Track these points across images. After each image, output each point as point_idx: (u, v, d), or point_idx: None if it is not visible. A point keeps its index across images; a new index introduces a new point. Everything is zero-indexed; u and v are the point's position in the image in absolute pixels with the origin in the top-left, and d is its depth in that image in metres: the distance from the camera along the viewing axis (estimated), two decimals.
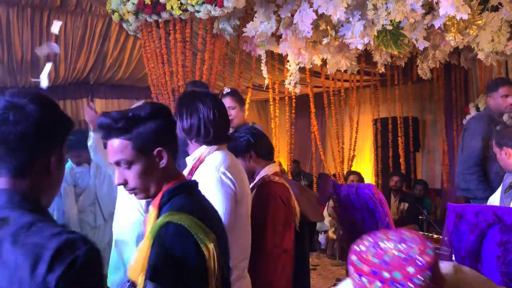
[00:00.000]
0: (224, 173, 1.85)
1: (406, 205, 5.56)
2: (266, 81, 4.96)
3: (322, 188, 5.80)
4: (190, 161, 1.93)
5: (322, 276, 4.75)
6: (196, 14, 3.96)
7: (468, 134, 3.73)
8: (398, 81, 6.44)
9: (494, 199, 2.23)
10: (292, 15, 3.77)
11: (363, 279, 1.11)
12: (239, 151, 2.21)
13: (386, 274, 1.08)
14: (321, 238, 5.70)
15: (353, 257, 1.15)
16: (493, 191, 3.51)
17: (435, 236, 3.11)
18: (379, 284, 1.09)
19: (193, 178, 1.72)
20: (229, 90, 3.44)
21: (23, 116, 1.09)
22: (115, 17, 4.36)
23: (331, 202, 2.80)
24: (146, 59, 4.49)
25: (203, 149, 1.91)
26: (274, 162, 2.37)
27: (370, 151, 7.77)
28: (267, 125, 7.40)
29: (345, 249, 2.40)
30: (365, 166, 7.93)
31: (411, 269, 1.07)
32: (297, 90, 4.61)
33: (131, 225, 3.17)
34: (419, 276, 1.06)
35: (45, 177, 1.13)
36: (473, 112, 5.36)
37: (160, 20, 4.18)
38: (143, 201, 2.76)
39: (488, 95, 3.78)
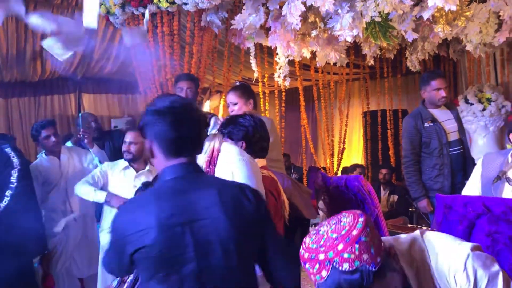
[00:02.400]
0: (248, 157, 1.98)
1: (396, 197, 5.58)
2: (256, 75, 4.92)
3: (313, 181, 5.81)
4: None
5: None
6: (183, 6, 3.92)
7: (402, 134, 3.96)
8: (388, 73, 6.45)
9: (472, 187, 2.21)
10: (281, 7, 3.73)
11: (307, 266, 1.19)
12: (233, 135, 2.20)
13: (321, 256, 1.16)
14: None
15: (300, 248, 1.23)
16: (431, 188, 3.65)
17: (424, 227, 3.12)
18: (317, 266, 1.16)
19: (218, 167, 1.87)
20: (236, 84, 3.46)
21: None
22: (102, 10, 4.30)
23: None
24: (133, 53, 4.43)
25: (213, 141, 1.94)
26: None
27: (359, 144, 7.78)
28: None
29: None
30: (354, 158, 7.95)
31: (340, 246, 1.14)
32: (287, 83, 4.59)
33: None
34: (349, 249, 1.13)
35: None
36: (461, 104, 5.38)
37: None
38: None
39: (421, 88, 3.85)
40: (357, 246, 1.13)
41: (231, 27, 4.06)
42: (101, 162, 3.94)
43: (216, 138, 1.97)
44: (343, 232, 1.16)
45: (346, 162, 6.78)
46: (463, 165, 3.78)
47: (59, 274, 3.73)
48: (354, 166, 5.98)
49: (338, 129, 6.35)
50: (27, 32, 5.93)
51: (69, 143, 4.55)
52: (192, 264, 1.39)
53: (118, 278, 2.52)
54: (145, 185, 2.64)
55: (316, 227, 1.25)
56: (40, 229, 3.38)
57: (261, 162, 2.32)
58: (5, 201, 3.03)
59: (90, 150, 3.99)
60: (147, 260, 1.40)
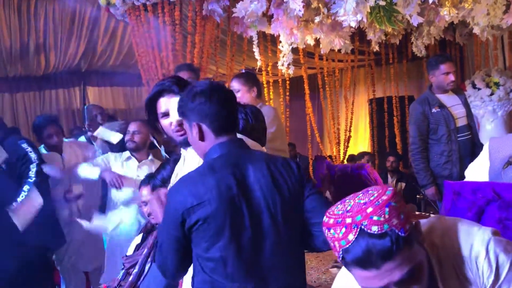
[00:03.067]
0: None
1: (403, 185, 5.53)
2: (259, 63, 4.87)
3: (319, 171, 5.78)
4: (193, 155, 1.88)
5: (320, 258, 4.73)
6: None
7: (409, 120, 3.84)
8: (393, 59, 6.37)
9: (477, 170, 2.16)
10: None
11: (331, 231, 1.17)
12: None
13: (348, 220, 1.13)
14: None
15: (324, 217, 1.22)
16: (439, 175, 3.59)
17: (432, 215, 3.08)
18: (344, 230, 1.14)
19: None
20: (241, 72, 3.43)
21: None
22: (102, 2, 4.27)
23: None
24: (136, 44, 4.41)
25: None
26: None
27: (365, 131, 7.72)
28: None
29: None
30: (361, 146, 7.89)
31: (369, 209, 1.12)
32: (290, 71, 4.52)
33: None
34: (378, 212, 1.11)
35: None
36: (469, 89, 5.30)
37: (148, 3, 4.08)
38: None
39: (430, 73, 3.78)
40: (387, 209, 1.11)
41: (233, 15, 4.00)
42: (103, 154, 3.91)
43: None
44: (372, 198, 1.14)
45: (353, 150, 6.73)
46: (472, 151, 3.71)
47: (66, 269, 3.73)
48: (362, 154, 5.95)
49: (344, 117, 6.29)
50: (30, 26, 5.91)
51: (82, 138, 4.47)
52: (247, 232, 1.50)
53: (123, 271, 2.51)
54: (149, 177, 2.61)
55: (340, 201, 1.23)
56: (57, 223, 3.39)
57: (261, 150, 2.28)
58: (22, 196, 3.01)
59: (94, 143, 3.96)
60: (208, 230, 1.49)
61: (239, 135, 1.98)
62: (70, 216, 3.69)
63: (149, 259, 2.35)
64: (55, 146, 3.70)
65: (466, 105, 3.79)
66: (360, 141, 7.95)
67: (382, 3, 3.30)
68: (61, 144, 3.79)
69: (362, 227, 1.11)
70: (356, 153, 6.82)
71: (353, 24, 3.53)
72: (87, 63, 6.98)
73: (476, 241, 1.23)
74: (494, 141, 2.06)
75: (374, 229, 1.10)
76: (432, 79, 3.73)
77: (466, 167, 3.62)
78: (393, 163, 5.63)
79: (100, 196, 3.78)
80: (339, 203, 1.21)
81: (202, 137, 1.60)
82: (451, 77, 3.65)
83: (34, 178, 3.05)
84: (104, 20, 6.34)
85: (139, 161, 3.45)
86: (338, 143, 6.17)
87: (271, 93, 5.78)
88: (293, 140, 7.32)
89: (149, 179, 2.52)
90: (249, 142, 1.96)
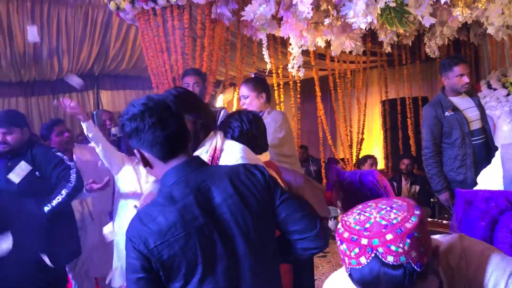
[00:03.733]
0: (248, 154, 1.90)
1: (418, 187, 5.44)
2: (268, 66, 4.83)
3: (331, 174, 5.71)
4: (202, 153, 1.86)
5: (331, 263, 4.67)
6: None
7: (422, 124, 3.76)
8: (406, 60, 6.27)
9: (490, 177, 2.08)
10: None
11: (343, 246, 1.10)
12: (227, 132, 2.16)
13: (364, 241, 1.06)
14: (331, 224, 5.61)
15: (339, 225, 1.14)
16: (453, 180, 3.49)
17: (445, 222, 3.01)
18: (357, 250, 1.07)
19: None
20: (250, 77, 3.39)
21: None
22: (112, 6, 4.28)
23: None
24: (145, 48, 4.40)
25: (214, 143, 1.86)
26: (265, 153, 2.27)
27: (379, 133, 7.62)
28: None
29: None
30: (374, 149, 7.79)
31: (389, 236, 1.03)
32: (301, 74, 4.47)
33: None
34: (397, 243, 1.03)
35: None
36: (484, 89, 5.20)
37: (157, 7, 4.08)
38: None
39: (442, 75, 3.67)
40: (408, 240, 1.03)
41: (242, 18, 3.98)
42: None
43: (217, 135, 1.89)
44: (394, 221, 1.05)
45: (366, 153, 6.63)
46: (487, 154, 3.61)
47: (78, 275, 3.74)
48: (365, 158, 5.80)
49: (356, 119, 6.21)
50: (43, 31, 5.95)
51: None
52: (223, 260, 1.37)
53: None
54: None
55: (360, 207, 1.15)
56: (77, 232, 3.43)
57: (263, 157, 2.25)
58: (58, 199, 3.07)
59: None
60: (179, 269, 1.34)
61: (232, 141, 1.94)
62: (82, 221, 3.71)
63: None
64: (66, 146, 3.74)
65: (480, 108, 3.69)
66: (373, 143, 7.86)
67: (393, 4, 3.24)
68: (71, 147, 3.82)
69: (378, 253, 1.04)
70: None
71: (363, 26, 3.48)
72: (100, 66, 7.01)
73: (497, 272, 1.15)
74: (506, 148, 1.98)
75: (390, 259, 1.03)
76: (445, 81, 3.64)
77: (480, 172, 3.56)
78: (408, 166, 5.54)
79: (111, 201, 3.79)
80: (357, 212, 1.12)
81: (147, 164, 1.45)
82: (465, 79, 3.56)
83: (74, 183, 3.12)
84: (116, 24, 6.37)
85: None
86: (351, 146, 6.09)
87: (281, 95, 5.74)
88: (305, 142, 7.27)
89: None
90: (252, 155, 1.94)
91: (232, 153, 1.84)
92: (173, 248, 1.33)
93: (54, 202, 3.04)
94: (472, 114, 3.62)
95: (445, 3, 3.36)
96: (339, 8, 3.61)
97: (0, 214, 2.91)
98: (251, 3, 3.84)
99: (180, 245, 1.33)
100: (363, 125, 6.18)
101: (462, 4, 3.44)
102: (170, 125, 1.41)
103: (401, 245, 1.03)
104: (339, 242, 1.11)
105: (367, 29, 3.94)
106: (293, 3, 3.56)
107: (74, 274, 3.72)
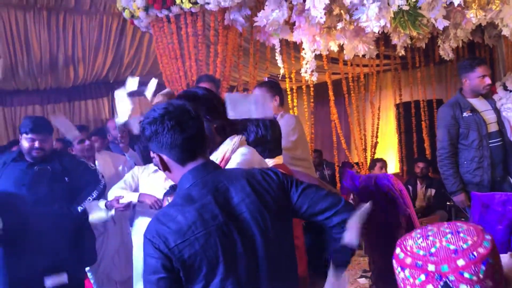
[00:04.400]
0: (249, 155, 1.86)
1: (433, 191, 5.39)
2: (282, 71, 4.85)
3: (345, 177, 5.69)
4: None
5: (348, 267, 4.64)
6: (206, 6, 3.89)
7: (438, 124, 3.70)
8: (420, 63, 6.24)
9: None
10: (304, 1, 3.65)
11: (405, 272, 0.99)
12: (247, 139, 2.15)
13: (431, 267, 0.96)
14: None
15: (397, 250, 1.04)
16: (470, 182, 3.45)
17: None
18: (423, 277, 0.96)
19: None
20: (264, 80, 3.40)
21: None
22: (126, 14, 4.34)
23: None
24: (159, 55, 4.45)
25: (226, 146, 1.86)
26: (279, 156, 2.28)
27: (393, 137, 7.58)
28: None
29: (364, 241, 2.32)
30: (388, 152, 7.74)
31: (461, 262, 0.94)
32: (314, 78, 4.49)
33: None
34: (472, 268, 0.93)
35: None
36: (500, 91, 5.14)
37: (170, 14, 4.12)
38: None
39: (463, 76, 3.61)
40: (483, 267, 0.93)
41: (255, 24, 4.00)
42: (135, 164, 3.98)
43: (233, 139, 1.87)
44: (464, 246, 0.95)
45: (380, 156, 6.60)
46: (504, 157, 3.58)
47: (100, 279, 3.78)
48: (374, 161, 5.73)
49: (370, 122, 6.18)
50: (59, 40, 6.06)
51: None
52: (243, 259, 1.38)
53: None
54: (173, 188, 2.62)
55: (419, 231, 1.06)
56: (94, 239, 3.51)
57: (275, 160, 2.26)
58: (89, 200, 3.22)
59: (126, 154, 4.04)
60: (200, 269, 1.34)
61: (247, 148, 1.95)
62: (104, 226, 3.76)
63: None
64: (88, 153, 3.81)
65: (496, 111, 3.66)
66: (388, 147, 7.81)
67: (406, 7, 3.24)
68: (92, 154, 3.90)
69: (448, 281, 0.94)
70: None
71: (376, 30, 3.49)
72: (114, 74, 7.09)
73: None
74: None
75: (462, 287, 0.93)
76: (466, 82, 3.59)
77: (497, 174, 3.53)
78: (423, 169, 5.50)
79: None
80: (417, 236, 1.02)
81: (166, 168, 1.47)
82: (487, 80, 3.52)
83: (103, 185, 3.29)
84: (130, 31, 6.46)
85: None
86: (365, 150, 6.07)
87: (295, 100, 5.74)
88: (319, 147, 7.25)
89: (172, 190, 2.52)
90: (257, 157, 1.93)
91: (235, 154, 1.85)
92: (194, 247, 1.33)
93: (87, 202, 3.17)
94: (489, 116, 3.59)
95: (459, 5, 3.35)
96: (351, 12, 3.63)
97: (29, 218, 2.98)
98: (263, 9, 3.87)
99: (200, 243, 1.34)
100: (377, 128, 6.16)
101: (476, 6, 3.43)
102: (189, 128, 1.44)
103: (476, 272, 0.93)
104: (399, 269, 1.01)
105: (380, 32, 3.94)
106: (306, 8, 3.58)
107: (96, 278, 3.76)
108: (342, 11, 3.71)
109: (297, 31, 4.10)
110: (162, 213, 1.42)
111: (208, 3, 3.83)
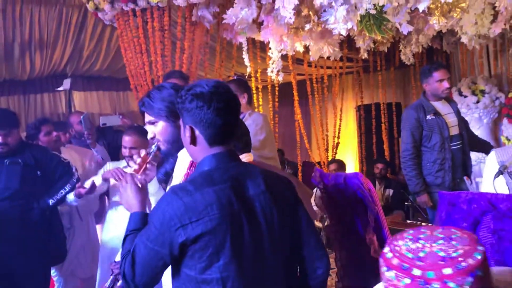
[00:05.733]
0: None
1: (391, 191, 5.56)
2: (248, 70, 4.86)
3: (308, 177, 5.77)
4: (185, 155, 1.84)
5: None
6: (174, 1, 3.84)
7: (401, 126, 3.83)
8: (381, 67, 6.41)
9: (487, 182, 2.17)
10: (273, 1, 3.67)
11: (391, 273, 0.98)
12: None
13: (416, 272, 0.94)
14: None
15: (386, 249, 1.02)
16: (432, 183, 3.60)
17: (423, 223, 3.09)
18: (407, 281, 0.94)
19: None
20: (233, 78, 3.41)
21: None
22: (90, 6, 4.21)
23: (317, 192, 2.75)
24: (124, 49, 4.35)
25: None
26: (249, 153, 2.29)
27: (353, 138, 7.76)
28: None
29: (332, 239, 2.38)
30: (349, 153, 7.92)
31: (447, 271, 0.91)
32: (280, 78, 4.52)
33: None
34: (457, 280, 0.90)
35: None
36: (455, 96, 5.36)
37: (137, 8, 4.04)
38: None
39: (423, 81, 3.78)
40: (469, 279, 0.90)
41: (223, 21, 3.98)
42: (102, 159, 3.91)
43: None
44: (454, 254, 0.93)
45: (341, 157, 6.74)
46: (463, 160, 3.73)
47: (64, 275, 3.67)
48: (331, 161, 5.86)
49: (332, 123, 6.30)
50: (15, 29, 5.81)
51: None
52: (248, 249, 1.41)
53: (112, 277, 2.46)
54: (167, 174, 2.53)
55: (411, 232, 1.04)
56: (64, 237, 3.43)
57: (248, 157, 2.26)
58: (62, 193, 3.15)
59: (93, 149, 3.96)
60: (206, 249, 1.36)
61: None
62: (70, 221, 3.66)
63: None
64: (55, 144, 3.71)
65: (458, 114, 3.81)
66: (348, 148, 7.99)
67: (373, 11, 3.32)
68: (59, 146, 3.79)
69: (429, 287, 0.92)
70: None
71: (344, 32, 3.54)
72: (73, 67, 6.88)
73: None
74: (501, 153, 2.07)
75: None
76: (426, 87, 3.72)
77: (457, 176, 3.67)
78: (382, 170, 5.66)
79: (98, 201, 3.83)
80: (409, 237, 1.01)
81: (194, 142, 1.50)
82: (446, 84, 3.66)
83: (76, 178, 3.20)
84: (91, 24, 6.27)
85: None
86: (327, 150, 6.18)
87: (260, 99, 5.77)
88: (281, 146, 7.32)
89: (167, 177, 2.45)
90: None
91: None
92: (206, 227, 1.36)
93: (59, 196, 3.10)
94: (451, 119, 3.73)
95: (423, 11, 3.46)
96: (320, 14, 3.68)
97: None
98: (232, 7, 3.86)
99: (213, 224, 1.36)
100: (339, 129, 6.28)
101: (439, 13, 3.56)
102: (232, 114, 1.50)
103: (461, 283, 0.90)
104: (385, 268, 1.00)
105: (345, 35, 4.02)
106: (275, 8, 3.60)
107: (59, 274, 3.65)
108: (310, 12, 3.75)
109: (264, 31, 4.11)
110: (180, 187, 1.44)
111: None
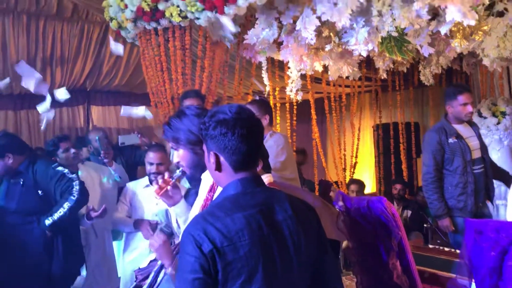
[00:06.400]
0: None
1: (410, 212, 5.48)
2: (267, 88, 4.88)
3: (322, 194, 5.73)
4: (208, 177, 1.85)
5: None
6: (195, 21, 3.88)
7: (423, 148, 3.78)
8: (400, 86, 6.38)
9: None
10: (294, 22, 3.70)
11: None
12: None
13: None
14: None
15: None
16: (454, 207, 3.54)
17: (446, 249, 3.05)
18: None
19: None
20: (254, 99, 3.47)
21: None
22: (113, 25, 4.28)
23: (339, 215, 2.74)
24: (145, 66, 4.40)
25: None
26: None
27: (371, 157, 7.71)
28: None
29: (353, 263, 2.35)
30: (366, 172, 7.85)
31: None
32: (299, 97, 4.54)
33: None
34: None
35: None
36: (475, 118, 5.31)
37: (159, 27, 4.10)
38: None
39: (447, 103, 3.74)
40: None
41: (244, 42, 4.02)
42: (120, 178, 3.94)
43: None
44: None
45: (358, 176, 6.69)
46: (486, 184, 3.68)
47: None
48: (350, 182, 5.79)
49: (350, 142, 6.27)
50: (38, 45, 5.93)
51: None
52: (278, 274, 1.41)
53: (135, 283, 2.46)
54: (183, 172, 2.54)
55: None
56: (83, 254, 3.43)
57: (269, 177, 2.26)
58: (60, 212, 3.08)
59: (110, 167, 4.00)
60: (239, 276, 1.35)
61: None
62: (86, 238, 3.68)
63: (163, 270, 2.29)
64: (73, 162, 3.74)
65: (480, 138, 3.77)
66: (365, 167, 7.92)
67: (395, 33, 3.32)
68: (77, 162, 3.83)
69: None
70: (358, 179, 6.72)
71: (364, 54, 3.56)
72: (92, 82, 6.99)
73: None
74: None
75: None
76: (450, 109, 3.70)
77: (480, 200, 3.62)
78: (400, 191, 5.59)
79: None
80: None
81: (219, 168, 1.51)
82: (469, 108, 3.63)
83: (77, 196, 3.13)
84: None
85: None
86: (344, 169, 6.13)
87: (278, 117, 5.78)
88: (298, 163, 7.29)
89: (183, 174, 2.47)
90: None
91: None
92: (238, 253, 1.35)
93: (56, 216, 3.06)
94: (473, 143, 3.69)
95: (444, 34, 3.46)
96: (340, 35, 3.69)
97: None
98: (253, 27, 3.89)
99: (245, 251, 1.36)
100: (357, 148, 6.25)
101: (460, 36, 3.54)
102: (255, 140, 1.50)
103: None
104: None
105: (365, 56, 4.02)
106: (296, 28, 3.62)
107: None
108: (331, 33, 3.77)
109: (284, 50, 4.14)
110: (209, 213, 1.43)
111: (198, 18, 3.83)
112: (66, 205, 3.07)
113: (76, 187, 3.14)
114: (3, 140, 3.22)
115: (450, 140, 3.61)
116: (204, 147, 1.55)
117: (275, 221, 1.45)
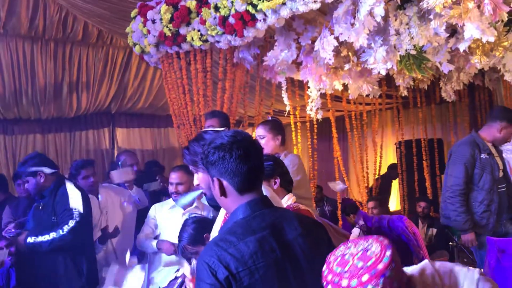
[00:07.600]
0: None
1: (435, 230, 5.39)
2: (288, 108, 4.92)
3: (344, 211, 5.68)
4: None
5: None
6: (216, 44, 3.97)
7: (452, 160, 3.68)
8: (421, 103, 6.33)
9: None
10: (313, 42, 3.74)
11: (329, 287, 1.22)
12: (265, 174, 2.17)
13: (344, 282, 1.18)
14: None
15: (324, 267, 1.27)
16: (479, 222, 3.45)
17: (471, 268, 2.97)
18: None
19: None
20: (267, 119, 3.51)
21: None
22: (137, 50, 4.41)
23: (358, 233, 2.72)
24: (168, 89, 4.51)
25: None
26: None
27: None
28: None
29: None
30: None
31: (365, 277, 1.17)
32: (319, 116, 4.56)
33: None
34: (373, 282, 1.16)
35: None
36: None
37: (180, 51, 4.20)
38: None
39: (500, 122, 3.66)
40: (381, 280, 1.16)
41: (263, 63, 4.08)
42: (140, 200, 4.01)
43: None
44: (369, 263, 1.19)
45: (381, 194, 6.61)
46: (509, 203, 3.60)
47: None
48: (370, 199, 5.71)
49: (372, 160, 6.22)
50: (64, 70, 6.13)
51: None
52: None
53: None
54: (196, 221, 2.61)
55: (341, 248, 1.28)
56: (95, 267, 3.48)
57: (293, 198, 2.28)
58: (44, 238, 3.18)
59: (130, 191, 4.08)
60: None
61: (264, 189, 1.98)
62: (106, 259, 3.74)
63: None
64: (91, 188, 3.81)
65: (502, 158, 3.71)
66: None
67: (413, 52, 3.33)
68: (97, 187, 3.91)
69: None
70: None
71: (383, 72, 3.56)
72: (117, 105, 7.16)
73: (467, 280, 1.34)
74: None
75: None
76: (502, 131, 3.64)
77: (503, 219, 3.54)
78: (425, 209, 5.51)
79: (133, 238, 3.87)
80: (339, 254, 1.25)
81: (224, 193, 1.52)
82: None
83: (63, 233, 3.20)
84: (135, 64, 6.56)
85: (184, 208, 3.47)
86: (367, 187, 6.08)
87: (298, 136, 5.80)
88: (319, 182, 7.25)
89: (195, 223, 2.53)
90: (269, 193, 1.97)
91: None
92: (254, 276, 1.38)
93: (40, 238, 3.16)
94: (500, 162, 3.64)
95: (464, 50, 3.44)
96: (359, 54, 3.72)
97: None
98: (272, 49, 3.96)
99: (260, 274, 1.38)
100: (379, 166, 6.19)
101: (480, 52, 3.53)
102: (254, 159, 1.51)
103: (376, 284, 1.17)
104: (324, 283, 1.24)
105: (384, 74, 4.03)
106: (315, 49, 3.67)
107: None
108: (349, 53, 3.80)
109: (303, 71, 4.19)
110: (222, 239, 1.45)
111: (218, 42, 3.91)
112: (52, 235, 3.17)
113: (67, 226, 3.19)
114: (36, 159, 3.34)
115: (483, 156, 3.54)
116: (208, 176, 1.58)
117: (286, 240, 1.47)
